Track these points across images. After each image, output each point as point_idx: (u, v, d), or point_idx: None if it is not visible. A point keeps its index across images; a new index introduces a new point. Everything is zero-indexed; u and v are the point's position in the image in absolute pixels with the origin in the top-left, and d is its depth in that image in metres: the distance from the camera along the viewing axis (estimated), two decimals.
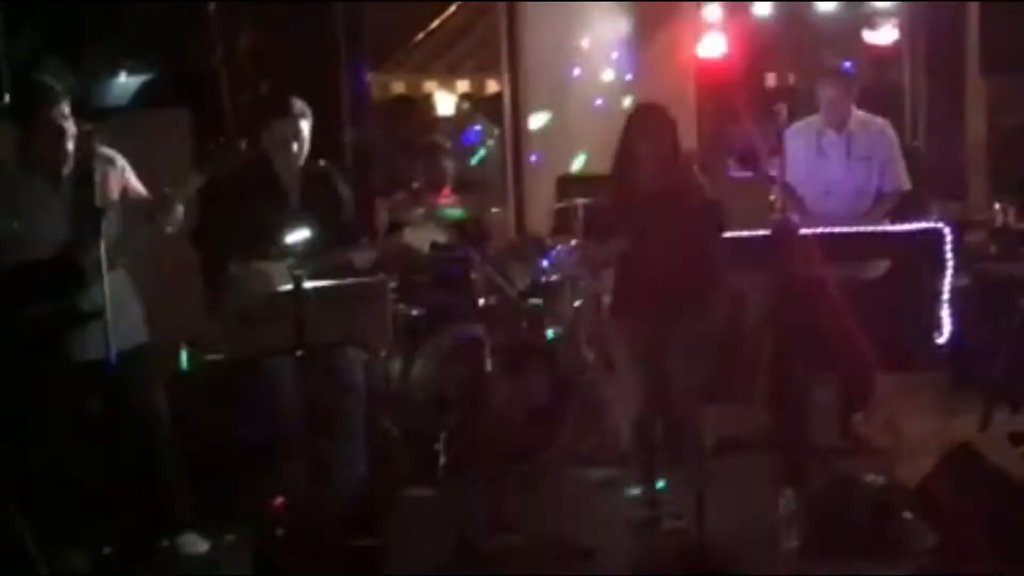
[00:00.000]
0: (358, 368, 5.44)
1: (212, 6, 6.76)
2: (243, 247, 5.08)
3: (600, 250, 5.26)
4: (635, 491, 5.38)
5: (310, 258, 4.95)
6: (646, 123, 5.10)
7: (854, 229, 5.88)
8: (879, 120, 6.27)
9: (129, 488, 4.92)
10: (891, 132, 6.25)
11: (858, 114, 6.21)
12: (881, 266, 6.12)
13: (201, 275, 5.24)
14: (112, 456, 4.87)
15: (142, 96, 6.33)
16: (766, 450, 5.99)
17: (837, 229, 5.78)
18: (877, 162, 6.15)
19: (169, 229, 4.91)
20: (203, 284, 5.26)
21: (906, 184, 6.18)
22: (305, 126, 5.27)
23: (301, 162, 5.30)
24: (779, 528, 4.92)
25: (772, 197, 6.07)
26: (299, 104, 5.29)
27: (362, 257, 5.31)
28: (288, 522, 4.69)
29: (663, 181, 5.05)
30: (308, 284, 4.46)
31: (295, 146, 5.24)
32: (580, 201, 6.25)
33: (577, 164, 7.89)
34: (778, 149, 5.39)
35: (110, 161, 4.93)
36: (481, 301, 6.16)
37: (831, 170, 6.08)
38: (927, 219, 6.55)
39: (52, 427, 4.82)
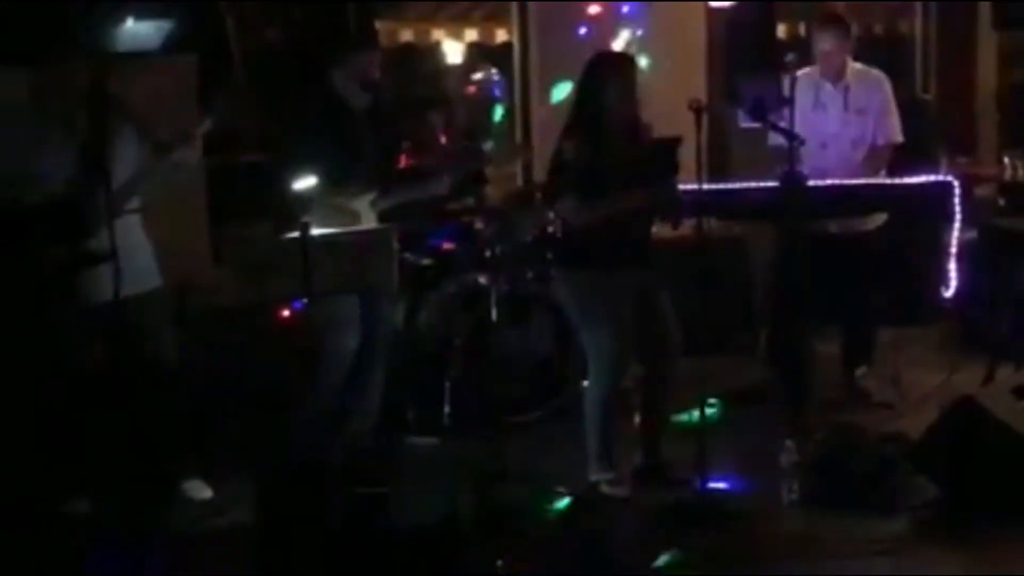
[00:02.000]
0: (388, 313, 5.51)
1: None
2: (325, 182, 5.09)
3: (585, 212, 5.00)
4: (608, 474, 5.18)
5: (387, 195, 5.19)
6: (610, 70, 5.04)
7: (863, 182, 5.88)
8: (876, 72, 6.23)
9: (135, 433, 4.94)
10: (887, 84, 6.20)
11: (855, 66, 6.17)
12: (878, 218, 6.12)
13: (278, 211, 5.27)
14: (120, 401, 4.89)
15: (150, 41, 6.30)
16: (768, 402, 6.01)
17: (846, 181, 5.79)
18: (873, 114, 6.11)
19: (178, 174, 4.93)
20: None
21: (897, 136, 6.14)
22: (378, 61, 5.42)
23: (371, 96, 5.41)
24: (780, 480, 4.94)
25: (772, 143, 6.08)
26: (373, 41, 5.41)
27: (441, 186, 5.51)
28: (293, 469, 4.72)
29: (627, 128, 5.02)
30: (315, 231, 4.46)
31: (368, 81, 5.36)
32: None
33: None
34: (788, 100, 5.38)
35: (122, 105, 4.92)
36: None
37: (828, 122, 6.05)
38: (936, 172, 6.52)
39: (61, 370, 4.85)
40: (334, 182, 5.09)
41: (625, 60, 5.07)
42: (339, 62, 5.36)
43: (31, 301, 4.77)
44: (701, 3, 7.97)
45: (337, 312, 5.17)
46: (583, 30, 7.74)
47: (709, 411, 5.22)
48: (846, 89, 6.12)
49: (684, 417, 5.46)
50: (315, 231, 4.46)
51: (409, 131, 6.38)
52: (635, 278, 5.07)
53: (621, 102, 4.98)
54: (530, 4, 7.90)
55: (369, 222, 5.24)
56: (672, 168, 4.95)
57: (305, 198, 5.04)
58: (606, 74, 5.03)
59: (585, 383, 5.33)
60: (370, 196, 5.30)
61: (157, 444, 5.04)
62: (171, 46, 6.18)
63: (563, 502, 5.03)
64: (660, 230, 5.34)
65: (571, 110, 5.13)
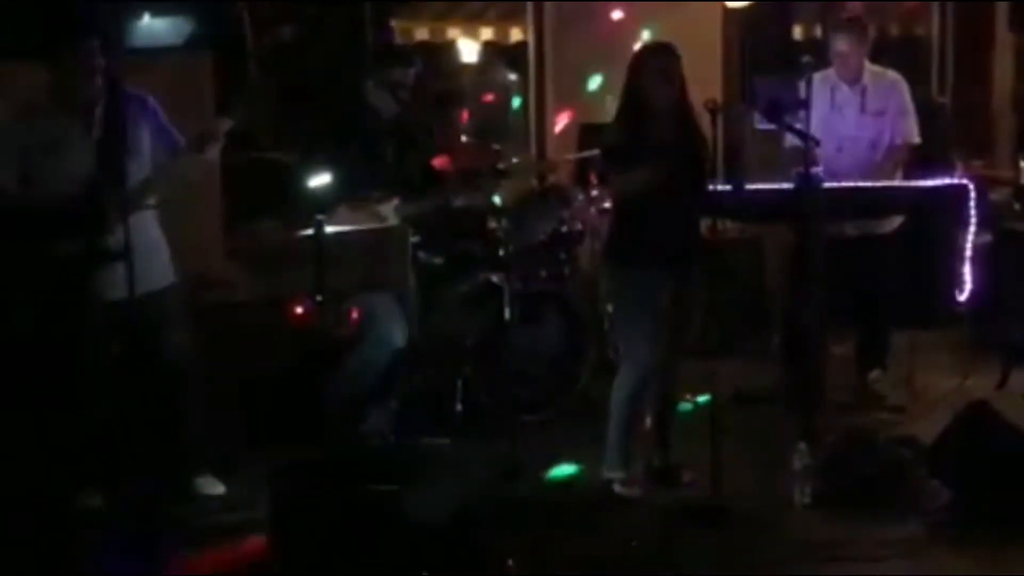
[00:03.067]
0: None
1: None
2: (351, 187, 5.27)
3: (629, 182, 4.97)
4: (621, 474, 5.18)
5: (412, 202, 5.46)
6: (658, 62, 5.04)
7: (878, 184, 5.86)
8: (892, 73, 6.21)
9: (150, 429, 4.96)
10: (904, 85, 6.18)
11: (872, 68, 6.15)
12: (895, 220, 6.10)
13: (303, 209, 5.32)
14: (135, 397, 4.90)
15: (167, 38, 6.31)
16: (781, 404, 6.00)
17: (861, 184, 5.77)
18: (890, 116, 6.10)
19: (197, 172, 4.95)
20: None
21: (915, 137, 6.13)
22: (413, 77, 5.71)
23: (399, 108, 5.66)
24: (792, 482, 4.93)
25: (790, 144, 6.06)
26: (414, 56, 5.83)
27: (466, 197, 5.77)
28: (304, 466, 4.73)
29: (675, 121, 5.02)
30: (330, 229, 4.47)
31: (402, 93, 5.62)
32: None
33: (600, 114, 7.83)
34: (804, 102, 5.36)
35: (140, 101, 4.94)
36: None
37: (845, 124, 6.03)
38: (951, 175, 6.50)
39: (77, 366, 4.86)
40: (360, 186, 5.19)
41: (665, 50, 5.07)
42: (374, 73, 5.53)
43: (48, 297, 4.78)
44: (718, 3, 7.95)
45: (378, 309, 5.25)
46: (600, 29, 7.74)
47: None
48: (863, 91, 6.10)
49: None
50: (329, 228, 4.47)
51: (433, 131, 6.41)
52: (678, 277, 5.07)
53: (660, 92, 4.99)
54: (546, 4, 7.89)
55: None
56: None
57: (331, 200, 5.10)
58: (645, 65, 5.05)
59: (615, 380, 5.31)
60: (395, 202, 5.40)
61: (171, 439, 5.06)
62: (188, 43, 6.19)
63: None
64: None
65: (620, 99, 5.14)
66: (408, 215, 5.49)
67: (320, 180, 4.94)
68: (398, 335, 5.49)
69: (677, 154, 4.93)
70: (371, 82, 5.61)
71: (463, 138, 6.45)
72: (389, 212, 5.38)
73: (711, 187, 5.06)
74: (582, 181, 6.98)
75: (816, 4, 8.72)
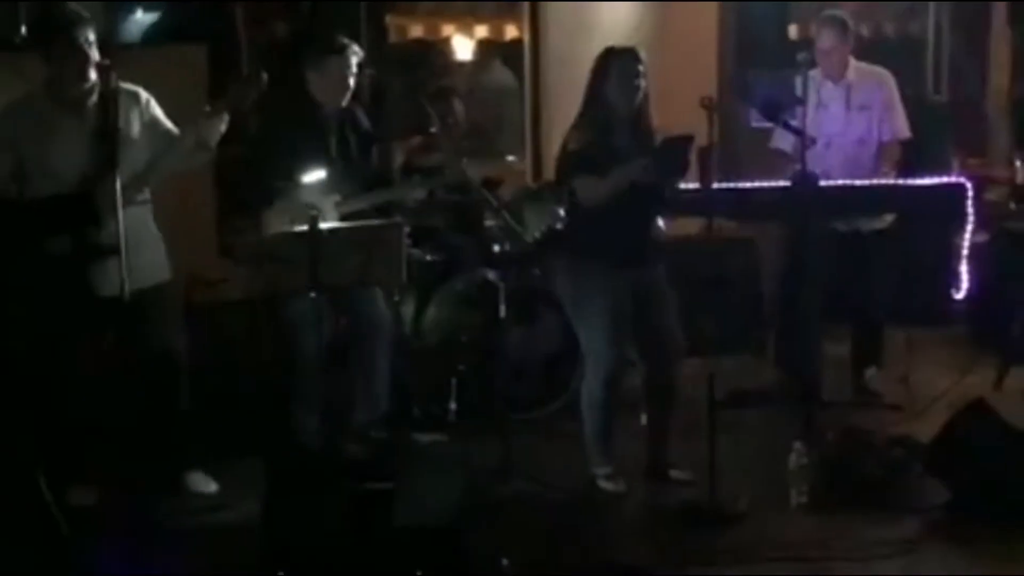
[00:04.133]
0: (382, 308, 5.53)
1: None
2: (285, 179, 5.16)
3: (591, 188, 4.93)
4: (605, 469, 5.19)
5: (353, 198, 5.26)
6: (621, 65, 5.00)
7: (875, 183, 5.84)
8: (878, 69, 6.21)
9: (140, 425, 4.92)
10: (891, 81, 6.17)
11: (857, 64, 6.14)
12: (886, 216, 6.08)
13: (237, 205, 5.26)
14: (126, 393, 4.86)
15: (159, 31, 6.29)
16: (777, 403, 5.98)
17: (858, 182, 5.76)
18: (877, 112, 6.08)
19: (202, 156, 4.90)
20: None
21: (905, 132, 6.11)
22: (355, 66, 5.39)
23: (343, 99, 5.39)
24: (789, 482, 4.91)
25: (774, 145, 6.04)
26: (351, 42, 5.42)
27: (411, 196, 5.60)
28: (297, 464, 4.70)
29: (635, 125, 5.01)
30: (323, 225, 4.43)
31: (347, 83, 5.36)
32: None
33: None
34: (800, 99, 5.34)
35: (133, 95, 4.90)
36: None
37: (831, 121, 6.01)
38: (947, 174, 6.49)
39: (68, 362, 4.82)
40: (296, 181, 5.10)
41: (629, 53, 5.04)
42: (315, 64, 5.37)
43: (40, 292, 4.74)
44: (714, 2, 7.94)
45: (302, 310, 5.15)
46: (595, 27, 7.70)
47: None
48: (848, 87, 6.10)
49: None
50: (323, 225, 4.44)
51: (430, 118, 6.36)
52: (636, 275, 5.04)
53: (624, 95, 4.96)
54: (541, 1, 7.87)
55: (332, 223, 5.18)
56: (680, 166, 4.89)
57: (268, 195, 5.06)
58: (609, 67, 5.01)
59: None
60: (335, 197, 5.27)
61: (163, 436, 5.02)
62: (181, 37, 6.17)
63: None
64: (670, 229, 5.32)
65: (582, 103, 5.11)
66: (349, 212, 5.31)
67: (267, 176, 4.92)
68: (385, 334, 5.43)
69: (637, 157, 4.90)
70: (312, 74, 5.37)
71: (432, 130, 6.34)
72: (328, 207, 5.21)
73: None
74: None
75: (812, 3, 8.68)
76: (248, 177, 5.43)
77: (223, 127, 4.88)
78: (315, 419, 5.11)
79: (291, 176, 5.16)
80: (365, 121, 5.65)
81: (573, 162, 5.02)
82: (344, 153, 5.42)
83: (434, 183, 5.91)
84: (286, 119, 5.39)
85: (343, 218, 5.25)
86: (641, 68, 4.99)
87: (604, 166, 4.89)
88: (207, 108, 4.89)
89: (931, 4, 8.77)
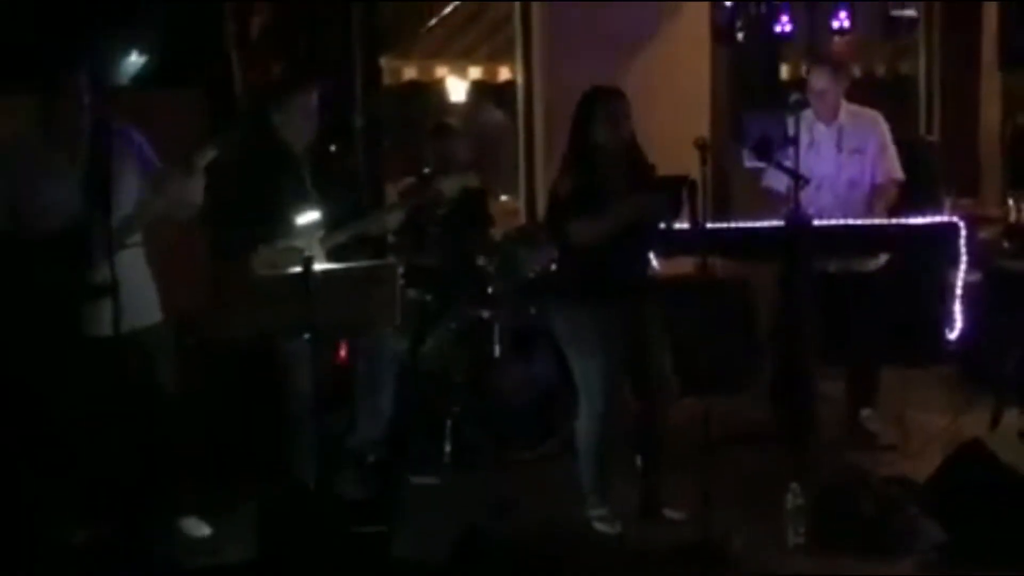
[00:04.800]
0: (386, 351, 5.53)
1: None
2: (265, 223, 5.11)
3: (583, 233, 4.97)
4: (600, 510, 5.19)
5: (332, 231, 5.20)
6: (606, 106, 5.02)
7: (869, 222, 5.86)
8: (870, 112, 6.23)
9: (134, 468, 4.90)
10: (883, 123, 6.20)
11: (849, 107, 6.17)
12: (879, 258, 6.10)
13: (219, 253, 5.24)
14: (119, 436, 4.84)
15: (156, 75, 6.31)
16: (773, 443, 5.96)
17: (851, 222, 5.77)
18: (870, 154, 6.11)
19: (185, 211, 4.91)
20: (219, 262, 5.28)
21: (897, 173, 6.14)
22: (315, 99, 5.34)
23: (311, 136, 5.35)
24: (785, 522, 4.89)
25: (766, 184, 6.06)
26: (311, 80, 5.34)
27: (391, 218, 5.49)
28: (292, 507, 4.68)
29: (623, 162, 5.02)
30: (318, 267, 4.44)
31: (308, 121, 5.30)
32: None
33: None
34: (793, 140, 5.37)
35: (126, 137, 4.91)
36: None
37: (822, 163, 6.03)
38: (939, 214, 6.51)
39: (61, 404, 4.81)
40: (271, 224, 5.09)
41: (614, 94, 5.07)
42: (277, 105, 5.34)
43: (32, 332, 4.73)
44: (706, 42, 7.99)
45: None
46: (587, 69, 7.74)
47: None
48: (839, 129, 6.12)
49: None
50: (317, 266, 4.44)
51: (435, 151, 6.38)
52: (629, 313, 5.05)
53: (612, 136, 4.98)
54: (534, 43, 7.91)
55: (320, 260, 5.17)
56: (675, 207, 4.91)
57: (248, 242, 5.05)
58: (595, 109, 5.03)
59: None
60: (319, 234, 5.25)
61: (156, 479, 5.00)
62: (177, 79, 6.19)
63: None
64: (663, 268, 5.33)
65: (568, 146, 5.13)
66: (335, 245, 5.31)
67: (241, 224, 4.91)
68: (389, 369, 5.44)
69: (630, 196, 4.93)
70: (277, 114, 5.32)
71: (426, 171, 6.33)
72: (313, 245, 5.22)
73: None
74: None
75: (803, 43, 8.75)
76: (226, 225, 5.35)
77: (201, 181, 4.87)
78: (309, 462, 5.09)
79: (270, 220, 5.12)
80: (337, 155, 5.64)
81: (566, 206, 5.02)
82: (320, 189, 5.36)
83: (411, 203, 5.83)
84: (258, 164, 5.33)
85: (329, 252, 5.25)
86: (625, 107, 5.02)
87: (597, 207, 4.90)
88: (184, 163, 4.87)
89: (921, 45, 8.84)
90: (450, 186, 5.71)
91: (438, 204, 6.03)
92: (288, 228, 5.15)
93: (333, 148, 5.55)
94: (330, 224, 5.32)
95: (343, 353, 5.50)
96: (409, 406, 5.91)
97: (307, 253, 4.81)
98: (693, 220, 4.79)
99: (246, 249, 5.14)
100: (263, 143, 5.33)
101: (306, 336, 4.41)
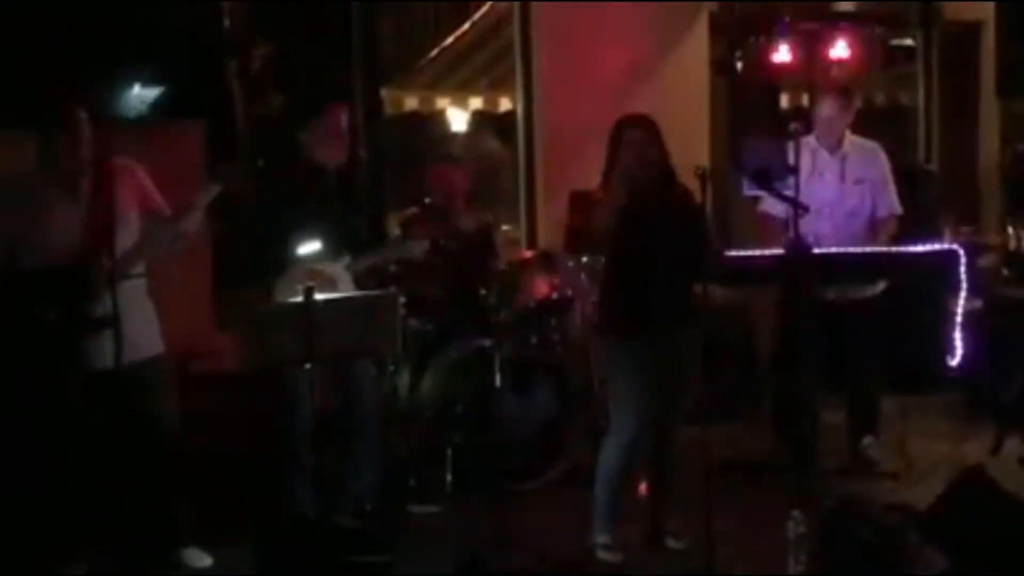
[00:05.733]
0: (369, 381, 5.47)
1: (227, 20, 6.78)
2: (292, 246, 5.13)
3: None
4: (604, 538, 5.19)
5: (362, 258, 5.25)
6: (633, 134, 5.06)
7: (869, 250, 5.87)
8: (872, 144, 6.26)
9: (134, 500, 4.90)
10: (884, 157, 6.23)
11: (852, 137, 6.19)
12: (877, 285, 6.11)
13: (243, 278, 5.25)
14: (120, 467, 4.85)
15: (156, 107, 6.34)
16: (774, 471, 5.96)
17: (852, 249, 5.79)
18: (870, 186, 6.13)
19: (180, 244, 4.93)
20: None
21: (897, 208, 6.17)
22: (344, 122, 5.39)
23: (342, 159, 5.39)
24: (786, 550, 4.88)
25: (763, 210, 6.07)
26: (342, 102, 5.40)
27: (417, 248, 5.49)
28: (293, 537, 4.67)
29: (660, 191, 5.04)
30: (319, 296, 4.45)
31: (338, 143, 5.35)
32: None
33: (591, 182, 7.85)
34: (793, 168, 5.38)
35: (127, 170, 4.93)
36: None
37: (825, 191, 6.05)
38: (939, 242, 6.52)
39: (62, 436, 4.81)
40: (305, 247, 5.11)
41: (644, 121, 5.11)
42: (305, 126, 5.37)
43: (34, 366, 4.74)
44: (707, 71, 8.03)
45: (359, 379, 5.18)
46: (587, 99, 7.78)
47: None
48: (843, 158, 6.14)
49: None
50: (319, 296, 4.45)
51: (436, 181, 6.41)
52: (670, 345, 5.06)
53: (646, 163, 5.01)
54: (534, 74, 7.95)
55: (346, 286, 5.22)
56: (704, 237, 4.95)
57: (278, 264, 5.06)
58: (620, 136, 5.07)
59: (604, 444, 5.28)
60: (345, 260, 5.29)
61: (157, 511, 5.00)
62: (178, 112, 6.21)
63: None
64: None
65: (603, 176, 5.15)
66: (359, 271, 5.35)
67: (270, 246, 4.92)
68: (369, 409, 5.40)
69: (667, 223, 4.94)
70: (305, 136, 5.35)
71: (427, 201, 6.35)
72: (340, 270, 5.28)
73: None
74: (571, 248, 6.98)
75: (802, 72, 8.79)
76: (254, 248, 5.38)
77: (199, 217, 4.89)
78: (309, 492, 5.10)
79: (298, 243, 5.14)
80: (360, 181, 5.67)
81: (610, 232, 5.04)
82: (346, 213, 5.42)
83: (438, 234, 5.87)
84: (287, 187, 5.37)
85: (356, 279, 5.28)
86: (656, 133, 5.05)
87: (635, 234, 4.95)
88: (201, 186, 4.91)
89: (920, 74, 8.88)
90: (468, 223, 5.73)
91: (459, 240, 6.07)
92: (316, 252, 5.17)
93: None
94: (355, 249, 5.34)
95: None
96: (409, 437, 5.91)
97: (335, 278, 4.87)
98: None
99: (273, 272, 5.15)
100: (293, 165, 5.37)
101: (307, 366, 4.42)
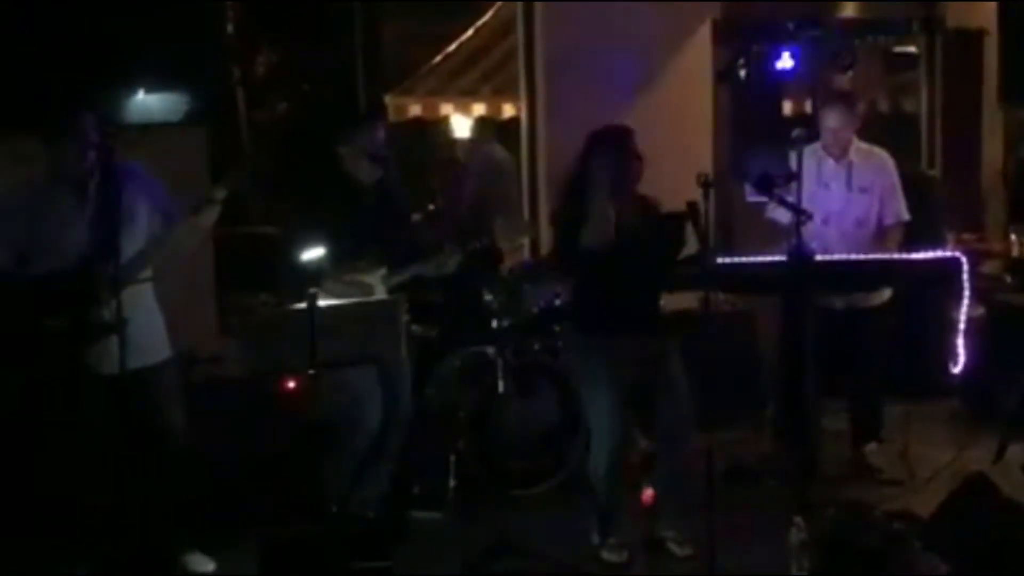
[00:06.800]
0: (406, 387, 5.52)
1: (231, 27, 6.81)
2: (335, 258, 5.12)
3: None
4: (606, 540, 5.25)
5: (399, 270, 5.28)
6: (624, 144, 5.10)
7: (872, 257, 5.87)
8: (879, 151, 6.25)
9: (138, 504, 4.91)
10: (892, 164, 6.22)
11: (859, 144, 6.19)
12: (884, 293, 6.11)
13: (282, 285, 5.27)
14: (125, 472, 4.85)
15: (161, 112, 6.37)
16: (776, 478, 5.96)
17: (854, 256, 5.78)
18: (877, 194, 6.13)
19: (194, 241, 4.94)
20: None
21: (904, 216, 6.16)
22: (383, 136, 5.45)
23: (379, 173, 5.43)
24: (789, 557, 4.88)
25: (769, 216, 6.08)
26: (377, 114, 5.43)
27: (451, 261, 5.50)
28: (295, 543, 4.68)
29: (631, 196, 5.10)
30: (322, 303, 4.46)
31: (378, 154, 5.39)
32: None
33: None
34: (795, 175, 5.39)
35: (134, 174, 4.95)
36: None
37: (831, 199, 6.05)
38: (942, 249, 6.52)
39: (68, 441, 4.82)
40: (345, 258, 5.13)
41: (626, 132, 5.13)
42: (345, 138, 5.40)
43: (41, 372, 4.75)
44: (709, 78, 8.04)
45: (356, 387, 5.18)
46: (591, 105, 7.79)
47: None
48: (849, 167, 6.13)
49: None
50: (322, 302, 4.46)
51: (442, 188, 6.41)
52: (641, 346, 5.09)
53: (622, 174, 5.02)
54: (538, 79, 7.97)
55: (382, 296, 5.26)
56: (678, 243, 4.97)
57: (316, 274, 5.06)
58: (607, 147, 5.08)
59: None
60: (382, 271, 5.33)
61: (162, 516, 5.00)
62: (182, 118, 6.24)
63: None
64: (669, 302, 5.36)
65: (572, 182, 5.16)
66: (395, 284, 5.40)
67: (305, 253, 4.92)
68: (372, 415, 5.39)
69: (638, 228, 5.00)
70: (345, 149, 5.41)
71: (432, 207, 6.36)
72: (376, 281, 5.31)
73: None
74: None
75: (806, 80, 8.80)
76: (293, 259, 5.38)
77: (215, 214, 4.91)
78: (315, 497, 5.10)
79: (337, 254, 5.14)
80: (398, 192, 5.68)
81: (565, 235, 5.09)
82: (383, 225, 5.43)
83: (468, 249, 5.86)
84: (326, 198, 5.41)
85: (391, 292, 5.31)
86: (633, 145, 5.08)
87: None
88: (203, 198, 4.91)
89: (923, 81, 8.88)
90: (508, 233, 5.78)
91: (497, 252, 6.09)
92: (354, 263, 5.23)
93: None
94: (391, 261, 5.38)
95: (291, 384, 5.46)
96: (412, 443, 5.91)
97: (371, 287, 4.88)
98: (703, 243, 4.82)
99: (312, 281, 5.15)
100: (332, 177, 5.40)
101: (311, 372, 4.43)
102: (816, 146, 6.11)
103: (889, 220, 6.14)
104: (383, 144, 5.44)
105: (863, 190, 6.11)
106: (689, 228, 4.86)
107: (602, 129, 5.20)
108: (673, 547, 5.23)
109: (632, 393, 5.13)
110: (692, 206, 4.78)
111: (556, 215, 5.22)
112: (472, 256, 5.95)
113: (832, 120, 6.13)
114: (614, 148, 5.11)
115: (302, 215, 5.37)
